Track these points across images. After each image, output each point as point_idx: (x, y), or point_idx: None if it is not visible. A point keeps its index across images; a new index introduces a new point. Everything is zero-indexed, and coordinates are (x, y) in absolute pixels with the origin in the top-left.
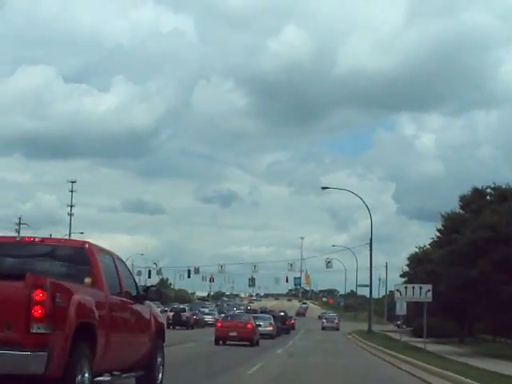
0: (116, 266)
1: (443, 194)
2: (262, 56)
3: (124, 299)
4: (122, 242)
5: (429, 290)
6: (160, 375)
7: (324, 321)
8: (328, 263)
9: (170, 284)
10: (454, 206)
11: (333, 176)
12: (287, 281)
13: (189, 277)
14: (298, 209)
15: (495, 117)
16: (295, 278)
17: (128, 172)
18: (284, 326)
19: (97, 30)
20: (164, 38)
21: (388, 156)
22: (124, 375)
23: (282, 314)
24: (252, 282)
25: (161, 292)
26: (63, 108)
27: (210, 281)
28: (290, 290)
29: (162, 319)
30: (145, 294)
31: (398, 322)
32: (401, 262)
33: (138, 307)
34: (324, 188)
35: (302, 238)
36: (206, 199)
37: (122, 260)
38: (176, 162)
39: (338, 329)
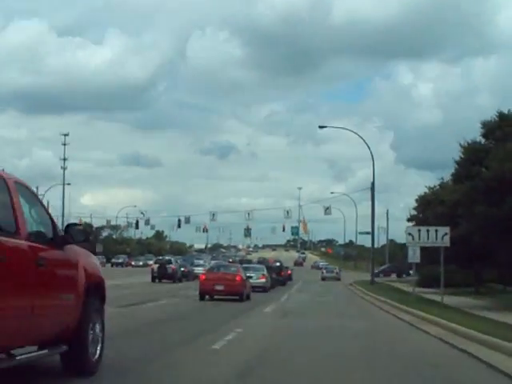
0: (11, 197)
1: (441, 142)
2: (258, 5)
3: (25, 242)
4: (119, 196)
5: (446, 234)
6: (97, 350)
7: (324, 271)
8: (326, 209)
9: (166, 236)
10: (452, 154)
11: (330, 125)
12: (284, 230)
13: (179, 227)
14: (296, 159)
15: (493, 64)
16: (292, 227)
17: (124, 125)
18: (279, 278)
19: None
20: None
21: (386, 105)
22: (34, 353)
23: (278, 264)
24: (248, 232)
25: (86, 232)
26: (57, 62)
27: (204, 231)
28: (289, 241)
29: (100, 271)
30: (65, 236)
31: (411, 271)
32: (399, 212)
33: (53, 254)
34: (321, 127)
35: (300, 188)
36: (204, 151)
37: (30, 190)
38: (173, 115)
39: (338, 279)
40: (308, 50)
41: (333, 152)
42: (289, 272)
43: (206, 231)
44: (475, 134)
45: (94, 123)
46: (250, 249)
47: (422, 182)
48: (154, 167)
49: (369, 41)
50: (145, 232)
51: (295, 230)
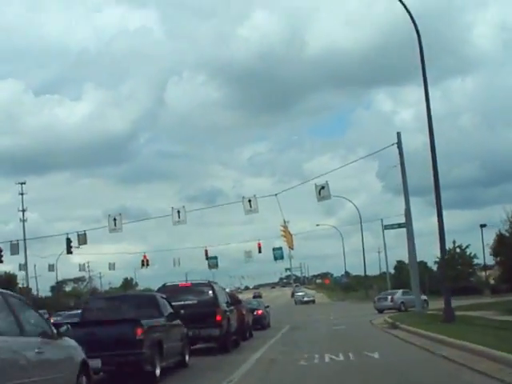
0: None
1: (427, 167)
2: (232, 45)
3: None
4: (109, 252)
5: None
6: None
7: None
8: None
9: (136, 284)
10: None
11: (316, 161)
12: (260, 251)
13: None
14: (283, 198)
15: (472, 83)
16: (274, 249)
17: (108, 180)
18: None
19: (61, 39)
20: (131, 37)
21: (369, 134)
22: None
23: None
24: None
25: None
26: (36, 121)
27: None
28: (281, 279)
29: None
30: None
31: None
32: (390, 240)
33: None
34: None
35: (287, 222)
36: (190, 198)
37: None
38: (156, 165)
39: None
40: (286, 86)
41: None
42: (259, 312)
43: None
44: (460, 155)
45: (77, 181)
46: (239, 289)
47: (412, 209)
48: (141, 221)
49: (347, 71)
50: (114, 281)
51: (279, 253)
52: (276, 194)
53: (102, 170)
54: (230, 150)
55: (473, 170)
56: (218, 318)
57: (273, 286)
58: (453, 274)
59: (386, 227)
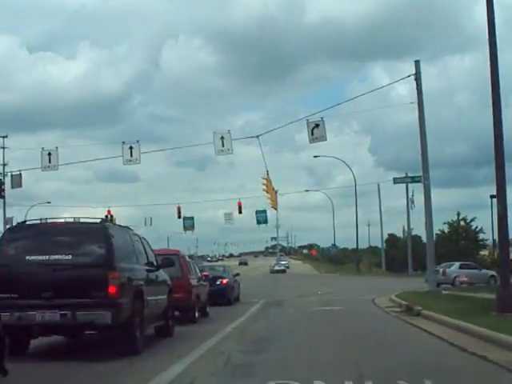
0: None
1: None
2: (231, 10)
3: None
4: (98, 213)
5: None
6: None
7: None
8: None
9: None
10: (431, 155)
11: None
12: (240, 211)
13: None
14: (274, 168)
15: (471, 61)
16: (258, 212)
17: (100, 141)
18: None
19: None
20: None
21: (363, 108)
22: None
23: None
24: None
25: None
26: (30, 78)
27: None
28: (267, 248)
29: None
30: None
31: None
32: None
33: None
34: (316, 156)
35: (276, 191)
36: (181, 164)
37: None
38: (148, 128)
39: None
40: (283, 55)
41: (311, 159)
42: (225, 281)
43: None
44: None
45: (67, 140)
46: (219, 257)
47: (401, 186)
48: (131, 182)
49: (345, 42)
50: None
51: (262, 217)
52: (258, 136)
53: (94, 131)
54: (222, 117)
55: (467, 149)
56: (111, 289)
57: (255, 254)
58: (455, 249)
59: (396, 180)
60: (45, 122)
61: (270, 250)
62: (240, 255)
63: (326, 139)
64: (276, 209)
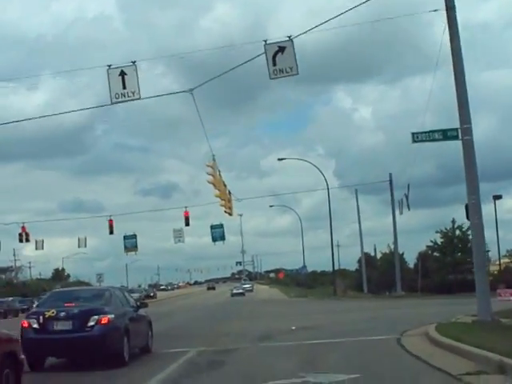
0: None
1: (384, 165)
2: (192, 36)
3: None
4: (64, 244)
5: None
6: None
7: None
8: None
9: (69, 276)
10: (395, 177)
11: (273, 157)
12: (187, 223)
13: None
14: (240, 194)
15: (431, 81)
16: (213, 227)
17: (63, 172)
18: None
19: (18, 26)
20: (89, 24)
21: (327, 132)
22: None
23: None
24: None
25: None
26: None
27: None
28: (233, 274)
29: None
30: None
31: None
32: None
33: None
34: (280, 159)
35: (241, 215)
36: (146, 192)
37: None
38: (112, 157)
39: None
40: (247, 80)
41: (276, 184)
42: (103, 320)
43: None
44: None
45: (31, 172)
46: (181, 284)
47: (367, 208)
48: (96, 212)
49: (307, 66)
50: (44, 273)
51: (218, 232)
52: (191, 90)
53: (57, 162)
54: (187, 144)
55: (432, 170)
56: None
57: (224, 280)
58: (452, 262)
59: (417, 138)
60: (6, 154)
61: (237, 276)
62: (206, 282)
63: (296, 72)
64: (231, 214)
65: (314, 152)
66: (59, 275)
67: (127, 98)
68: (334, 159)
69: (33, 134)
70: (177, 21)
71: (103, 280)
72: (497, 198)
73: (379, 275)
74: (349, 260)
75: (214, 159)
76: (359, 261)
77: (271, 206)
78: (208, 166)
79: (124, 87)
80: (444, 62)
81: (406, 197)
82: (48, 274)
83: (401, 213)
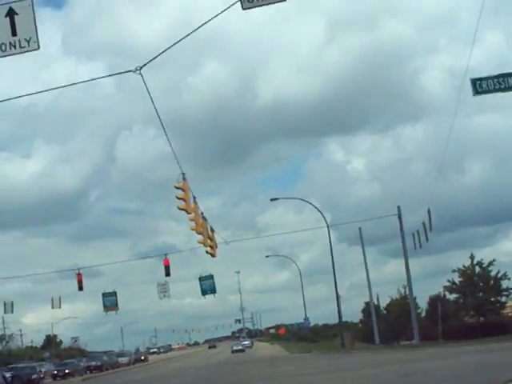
0: None
1: (380, 216)
2: (183, 96)
3: None
4: (63, 311)
5: None
6: None
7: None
8: None
9: (61, 342)
10: (391, 227)
11: (269, 214)
12: (168, 273)
13: None
14: (237, 251)
15: (422, 129)
16: (202, 278)
17: (61, 239)
18: None
19: (10, 95)
20: (79, 90)
21: (321, 185)
22: None
23: None
24: None
25: None
26: None
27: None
28: (234, 333)
29: None
30: None
31: None
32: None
33: None
34: (273, 199)
35: (238, 272)
36: (143, 254)
37: None
38: (108, 222)
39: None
40: (239, 138)
41: (273, 240)
42: None
43: None
44: (412, 202)
45: (29, 240)
46: (174, 345)
47: (366, 259)
48: (94, 277)
49: (298, 121)
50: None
51: (207, 285)
52: (140, 69)
53: (54, 228)
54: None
55: (424, 217)
56: None
57: (215, 341)
58: (473, 303)
59: (479, 88)
60: (4, 222)
61: (237, 335)
62: (206, 342)
63: None
64: (214, 255)
65: (310, 206)
66: (51, 342)
67: (19, 50)
68: (329, 212)
69: (28, 202)
70: (166, 82)
71: (78, 342)
72: None
73: (387, 324)
74: (349, 312)
75: (184, 178)
76: (363, 311)
77: (267, 257)
78: (177, 187)
79: (14, 34)
80: (431, 110)
81: (426, 225)
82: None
83: (420, 246)
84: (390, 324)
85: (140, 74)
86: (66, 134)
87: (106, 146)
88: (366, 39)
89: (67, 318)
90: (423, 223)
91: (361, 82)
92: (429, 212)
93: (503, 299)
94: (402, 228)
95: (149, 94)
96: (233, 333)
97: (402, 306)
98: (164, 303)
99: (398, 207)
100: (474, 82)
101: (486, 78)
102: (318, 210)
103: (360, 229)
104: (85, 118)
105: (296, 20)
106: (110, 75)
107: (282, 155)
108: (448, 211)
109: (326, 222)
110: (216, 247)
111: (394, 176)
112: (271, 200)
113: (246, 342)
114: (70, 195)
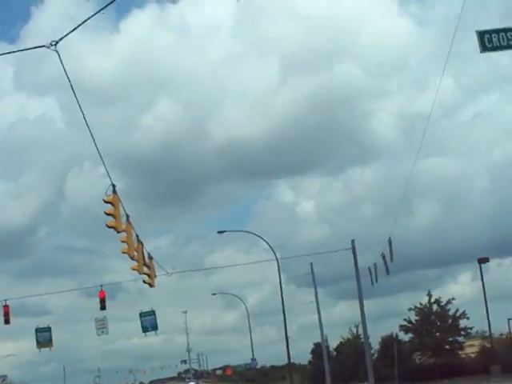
0: None
1: (328, 258)
2: (135, 135)
3: None
4: (7, 350)
5: None
6: None
7: None
8: None
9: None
10: (340, 269)
11: (218, 254)
12: (103, 306)
13: None
14: (184, 292)
15: (372, 172)
16: (142, 314)
17: (6, 276)
18: None
19: None
20: (31, 125)
21: (271, 225)
22: None
23: None
24: None
25: None
26: None
27: None
28: (180, 374)
29: None
30: None
31: None
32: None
33: None
34: (220, 232)
35: (185, 312)
36: (90, 294)
37: None
38: (56, 260)
39: None
40: (191, 177)
41: (223, 280)
42: None
43: None
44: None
45: None
46: None
47: (309, 300)
48: (40, 316)
49: (250, 161)
50: None
51: (148, 321)
52: (56, 43)
53: (0, 264)
54: None
55: (375, 259)
56: None
57: (161, 382)
58: (430, 343)
59: (488, 46)
60: None
61: (183, 375)
62: (151, 382)
63: None
64: (152, 285)
65: (259, 247)
66: None
67: None
68: (278, 252)
69: None
70: (118, 120)
71: (7, 382)
72: None
73: (337, 365)
74: (297, 354)
75: (114, 192)
76: (312, 352)
77: (214, 294)
78: (107, 201)
79: None
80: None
81: (385, 258)
82: None
83: (376, 281)
84: (340, 365)
85: (56, 50)
86: (17, 169)
87: (55, 182)
88: (319, 81)
89: (8, 355)
90: (382, 255)
91: (312, 124)
92: (389, 242)
93: (461, 339)
94: (356, 262)
95: (65, 73)
96: (179, 374)
97: (354, 346)
98: (108, 342)
99: (353, 241)
100: (481, 35)
101: (497, 31)
102: (267, 243)
103: (311, 264)
104: (35, 154)
105: (250, 60)
106: (16, 51)
107: (234, 195)
108: (398, 254)
109: (276, 256)
110: (155, 276)
111: (344, 218)
112: (218, 232)
113: (192, 383)
114: (18, 231)
